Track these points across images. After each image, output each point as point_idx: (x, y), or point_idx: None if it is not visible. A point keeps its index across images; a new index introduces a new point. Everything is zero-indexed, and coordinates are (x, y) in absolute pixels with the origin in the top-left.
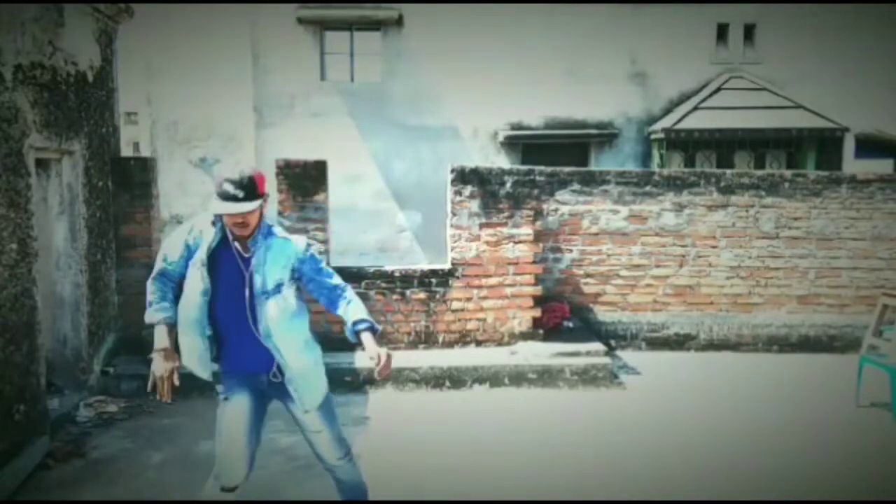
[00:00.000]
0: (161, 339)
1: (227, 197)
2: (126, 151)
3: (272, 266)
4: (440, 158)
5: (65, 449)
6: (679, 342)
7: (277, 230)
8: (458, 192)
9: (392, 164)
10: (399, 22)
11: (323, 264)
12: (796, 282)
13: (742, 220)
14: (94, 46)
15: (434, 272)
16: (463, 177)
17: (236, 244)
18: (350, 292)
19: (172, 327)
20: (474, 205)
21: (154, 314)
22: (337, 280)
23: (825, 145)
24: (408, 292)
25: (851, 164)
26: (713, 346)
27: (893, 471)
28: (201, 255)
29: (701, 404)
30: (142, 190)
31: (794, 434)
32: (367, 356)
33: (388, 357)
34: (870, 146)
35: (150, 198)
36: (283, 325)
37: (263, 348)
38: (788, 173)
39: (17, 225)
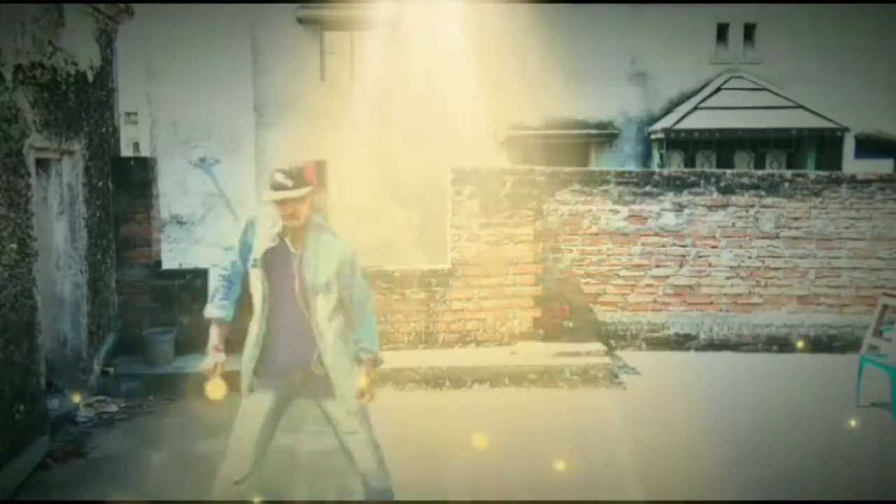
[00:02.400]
0: (213, 336)
1: (276, 186)
2: (126, 151)
3: (322, 263)
4: (440, 158)
5: (65, 449)
6: (679, 342)
7: (329, 228)
8: (458, 192)
9: (392, 164)
10: (399, 22)
11: (359, 275)
12: (796, 282)
13: (742, 220)
14: (94, 46)
15: (434, 272)
16: (463, 177)
17: (288, 240)
18: (370, 315)
19: (226, 326)
20: (474, 205)
21: (212, 310)
22: (365, 297)
23: (825, 145)
24: (408, 292)
25: (851, 164)
26: (713, 346)
27: (893, 471)
28: (255, 253)
29: (701, 404)
30: (142, 190)
31: (794, 434)
32: (356, 385)
33: (370, 398)
34: (870, 146)
35: (150, 198)
36: (332, 322)
37: (308, 345)
38: (788, 173)
39: (17, 225)
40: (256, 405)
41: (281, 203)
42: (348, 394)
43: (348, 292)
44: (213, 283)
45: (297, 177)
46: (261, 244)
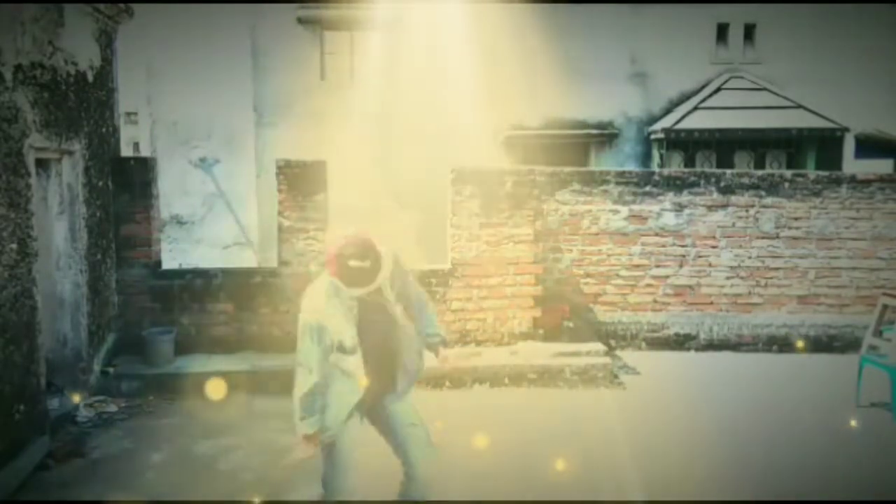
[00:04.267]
0: (311, 443)
1: (355, 276)
2: (126, 151)
3: (389, 283)
4: (440, 158)
5: (65, 449)
6: (679, 342)
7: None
8: (458, 192)
9: (392, 164)
10: (399, 22)
11: (411, 276)
12: (796, 282)
13: (742, 220)
14: (94, 46)
15: (434, 272)
16: (463, 177)
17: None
18: (431, 306)
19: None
20: (474, 205)
21: (307, 427)
22: (424, 297)
23: (825, 145)
24: None
25: (851, 164)
26: (713, 346)
27: (893, 471)
28: (349, 339)
29: (701, 404)
30: (142, 190)
31: (794, 434)
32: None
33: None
34: (870, 146)
35: (150, 198)
36: (404, 324)
37: (395, 355)
38: (788, 173)
39: (17, 225)
40: (348, 437)
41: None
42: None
43: (407, 289)
44: (302, 401)
45: (372, 253)
46: (339, 323)
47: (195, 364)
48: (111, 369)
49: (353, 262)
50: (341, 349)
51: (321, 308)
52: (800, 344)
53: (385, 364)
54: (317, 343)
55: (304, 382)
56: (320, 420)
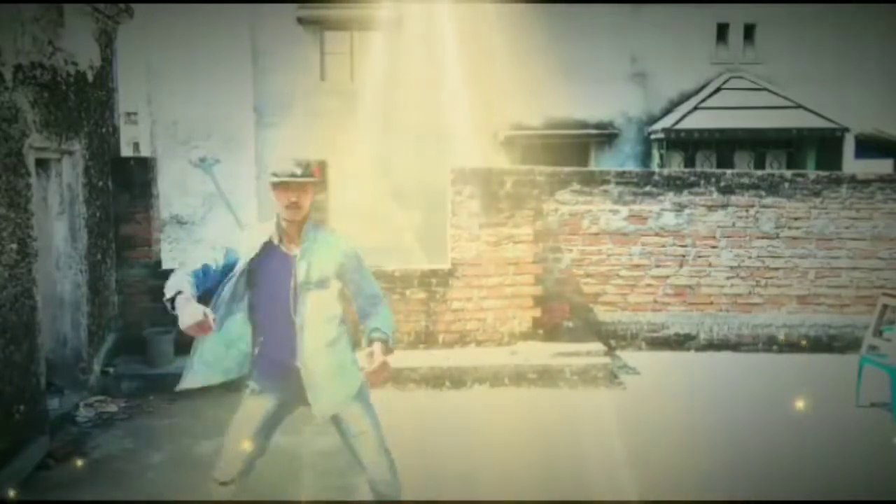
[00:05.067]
0: (184, 292)
1: (285, 173)
2: (126, 151)
3: (318, 258)
4: (440, 158)
5: (65, 449)
6: (679, 342)
7: (327, 226)
8: (458, 192)
9: (392, 164)
10: (399, 22)
11: (366, 268)
12: (796, 282)
13: (742, 220)
14: (94, 46)
15: (434, 272)
16: (463, 177)
17: (282, 240)
18: (384, 306)
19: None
20: (474, 205)
21: (170, 291)
22: (376, 289)
23: (825, 145)
24: (408, 292)
25: (851, 164)
26: (713, 346)
27: (893, 471)
28: (242, 265)
29: (701, 404)
30: (142, 190)
31: (794, 434)
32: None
33: (384, 364)
34: (870, 146)
35: (150, 198)
36: (318, 319)
37: (293, 346)
38: (788, 173)
39: (17, 225)
40: (254, 408)
41: (285, 190)
42: (318, 400)
43: (357, 287)
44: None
45: (306, 167)
46: (249, 248)
47: None
48: (111, 369)
49: (286, 163)
50: (239, 273)
51: (250, 231)
52: (800, 344)
53: (284, 341)
54: (223, 251)
55: (187, 264)
56: (183, 287)
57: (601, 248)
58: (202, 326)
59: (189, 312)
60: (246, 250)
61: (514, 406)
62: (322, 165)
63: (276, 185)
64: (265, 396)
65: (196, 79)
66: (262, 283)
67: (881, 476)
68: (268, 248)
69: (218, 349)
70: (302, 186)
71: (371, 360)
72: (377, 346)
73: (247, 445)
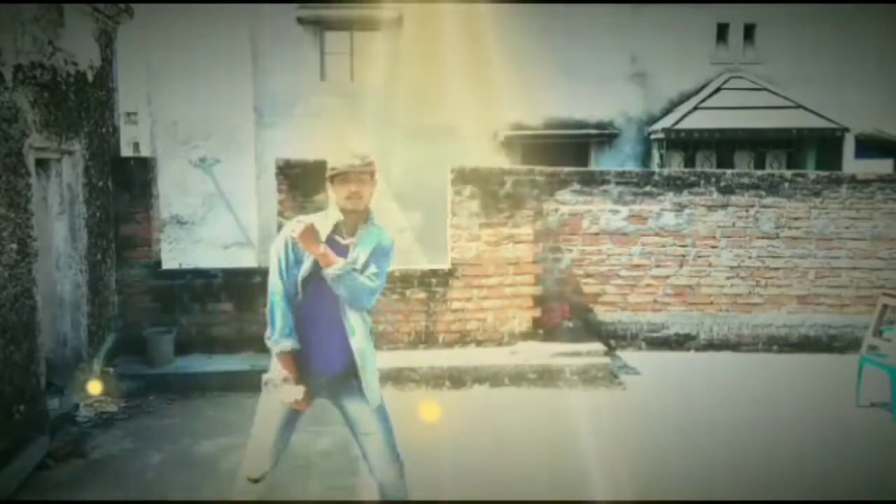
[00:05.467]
0: (285, 366)
1: (345, 164)
2: (126, 151)
3: (366, 245)
4: (440, 158)
5: (65, 449)
6: (679, 342)
7: (376, 220)
8: (458, 192)
9: (392, 164)
10: (399, 22)
11: (387, 265)
12: (796, 282)
13: (742, 220)
14: (94, 46)
15: (434, 272)
16: (463, 177)
17: (341, 230)
18: (373, 281)
19: (297, 354)
20: (474, 205)
21: (281, 342)
22: (377, 275)
23: (825, 145)
24: (408, 292)
25: (851, 164)
26: (713, 346)
27: (893, 471)
28: (307, 266)
29: (701, 404)
30: (142, 190)
31: (794, 434)
32: None
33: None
34: (870, 146)
35: (150, 198)
36: (363, 303)
37: (342, 343)
38: (788, 173)
39: (17, 225)
40: (277, 403)
41: (345, 181)
42: (375, 393)
43: (374, 267)
44: (273, 309)
45: (366, 159)
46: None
47: (195, 364)
48: (111, 369)
49: (345, 155)
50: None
51: (306, 221)
52: (800, 344)
53: (332, 336)
54: (291, 248)
55: (272, 288)
56: (293, 339)
57: (601, 248)
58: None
59: (286, 392)
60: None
61: (514, 406)
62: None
63: (335, 177)
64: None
65: (196, 79)
66: (315, 271)
67: (881, 476)
68: (329, 233)
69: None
70: (360, 177)
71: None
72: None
73: (273, 439)
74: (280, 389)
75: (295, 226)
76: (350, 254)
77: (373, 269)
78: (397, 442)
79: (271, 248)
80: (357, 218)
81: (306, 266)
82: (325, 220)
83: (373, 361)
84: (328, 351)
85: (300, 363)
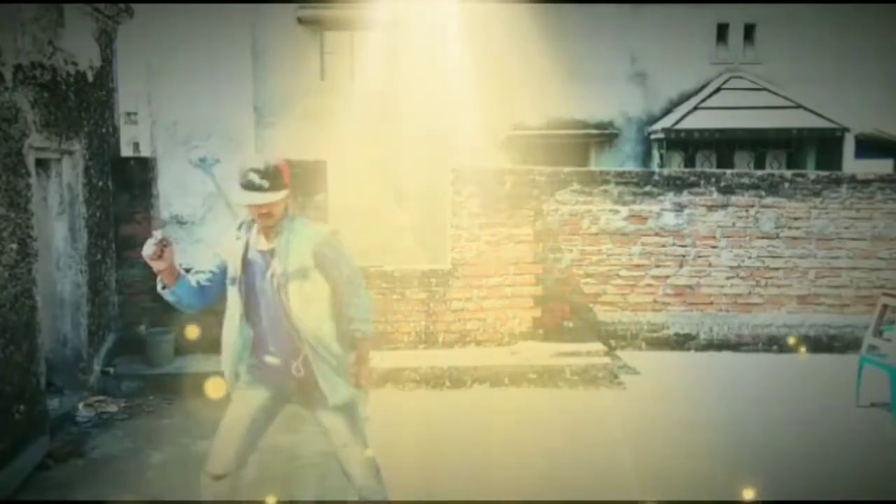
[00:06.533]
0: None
1: (251, 187)
2: (126, 151)
3: (294, 249)
4: (440, 158)
5: (65, 449)
6: (679, 342)
7: (302, 219)
8: (458, 192)
9: (392, 164)
10: (399, 22)
11: (347, 254)
12: (796, 282)
13: (742, 220)
14: (94, 46)
15: (434, 272)
16: (463, 177)
17: (260, 240)
18: (362, 292)
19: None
20: (474, 205)
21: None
22: (354, 273)
23: (825, 145)
24: (408, 292)
25: (851, 164)
26: (713, 346)
27: (893, 471)
28: (233, 272)
29: (701, 404)
30: (142, 190)
31: (794, 434)
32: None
33: (368, 373)
34: (870, 146)
35: (150, 198)
36: (305, 307)
37: (288, 345)
38: (788, 173)
39: (17, 225)
40: (246, 402)
41: (251, 206)
42: (329, 388)
43: (337, 272)
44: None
45: (274, 177)
46: (239, 261)
47: (195, 364)
48: (111, 369)
49: (252, 176)
50: (230, 279)
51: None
52: (800, 344)
53: (277, 338)
54: (216, 259)
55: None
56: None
57: (601, 248)
58: (158, 249)
59: (148, 246)
60: (230, 255)
61: (514, 406)
62: (290, 164)
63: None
64: (257, 388)
65: (196, 79)
66: (250, 282)
67: (881, 476)
68: (248, 247)
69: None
70: (270, 201)
71: (356, 363)
72: (361, 348)
73: (238, 438)
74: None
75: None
76: (273, 265)
77: (346, 261)
78: (382, 441)
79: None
80: (275, 224)
81: (234, 276)
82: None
83: (328, 350)
84: (275, 340)
85: (259, 351)
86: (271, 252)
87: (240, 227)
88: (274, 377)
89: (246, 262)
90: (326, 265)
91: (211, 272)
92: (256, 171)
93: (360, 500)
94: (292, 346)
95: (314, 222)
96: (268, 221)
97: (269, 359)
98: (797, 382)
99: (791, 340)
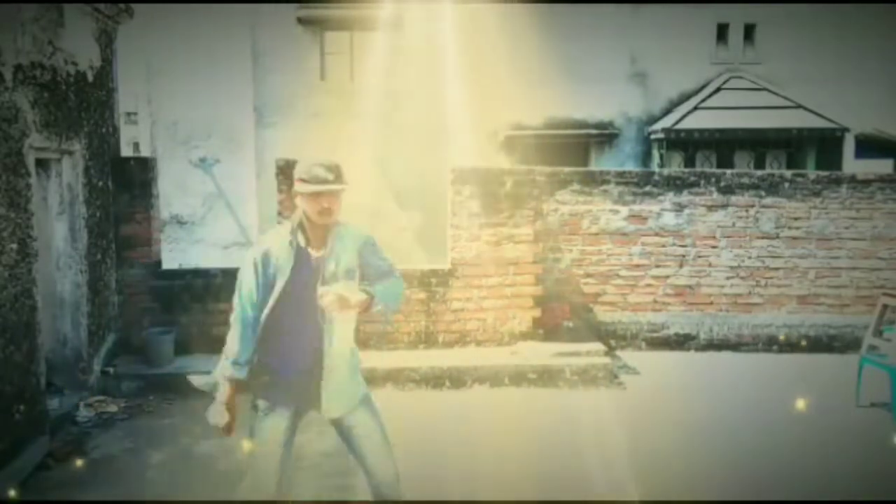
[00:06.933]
0: (225, 392)
1: (317, 180)
2: (126, 151)
3: (343, 252)
4: (440, 158)
5: (65, 449)
6: (679, 342)
7: (342, 220)
8: (458, 192)
9: (392, 164)
10: (399, 22)
11: (380, 248)
12: (796, 282)
13: (742, 220)
14: (94, 46)
15: (434, 272)
16: (463, 177)
17: (306, 243)
18: (399, 281)
19: (239, 384)
20: (474, 205)
21: (228, 369)
22: (392, 265)
23: (825, 145)
24: (408, 292)
25: (851, 164)
26: (713, 346)
27: (893, 471)
28: (283, 275)
29: (701, 404)
30: (142, 190)
31: (794, 434)
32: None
33: (342, 303)
34: (870, 146)
35: (150, 198)
36: (344, 318)
37: (316, 346)
38: (788, 173)
39: (17, 225)
40: (273, 431)
41: (317, 197)
42: (331, 398)
43: (375, 269)
44: (233, 333)
45: (337, 171)
46: (282, 262)
47: (195, 364)
48: (111, 369)
49: (317, 169)
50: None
51: (271, 240)
52: (800, 344)
53: (306, 342)
54: (260, 271)
55: (238, 314)
56: (240, 372)
57: (601, 248)
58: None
59: (216, 413)
60: (269, 258)
61: (514, 406)
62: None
63: (306, 193)
64: (279, 413)
65: (196, 79)
66: (289, 287)
67: (881, 476)
68: (292, 251)
69: None
70: (334, 193)
71: (346, 295)
72: (366, 299)
73: (277, 464)
74: (212, 409)
75: (325, 295)
76: (327, 267)
77: (383, 255)
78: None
79: (240, 272)
80: (326, 228)
81: (280, 286)
82: (288, 234)
83: (345, 360)
84: (306, 349)
85: (286, 377)
86: (320, 259)
87: (257, 267)
88: (294, 390)
89: (283, 268)
90: (369, 258)
91: (252, 293)
92: (322, 165)
93: (375, 500)
94: (314, 352)
95: (349, 224)
96: (328, 219)
97: (291, 370)
98: (797, 382)
99: (786, 339)
